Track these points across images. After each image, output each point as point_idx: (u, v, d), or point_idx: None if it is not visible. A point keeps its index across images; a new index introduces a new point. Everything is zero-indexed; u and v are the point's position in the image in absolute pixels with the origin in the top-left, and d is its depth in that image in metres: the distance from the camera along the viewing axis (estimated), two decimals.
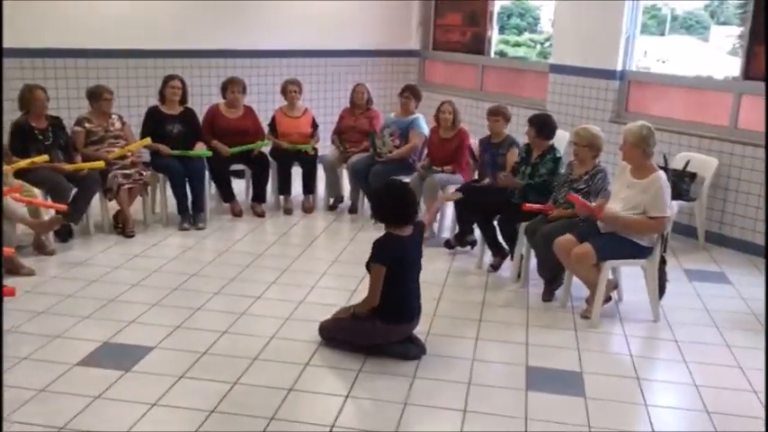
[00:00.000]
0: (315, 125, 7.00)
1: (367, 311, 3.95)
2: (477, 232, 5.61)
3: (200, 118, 6.60)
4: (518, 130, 6.15)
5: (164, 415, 3.37)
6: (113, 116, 6.16)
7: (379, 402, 3.58)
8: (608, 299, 4.72)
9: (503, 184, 5.37)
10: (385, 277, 3.87)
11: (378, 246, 3.91)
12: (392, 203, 3.95)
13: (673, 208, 4.61)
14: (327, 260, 5.55)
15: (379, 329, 3.93)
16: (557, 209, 4.91)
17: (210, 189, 6.69)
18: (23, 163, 5.31)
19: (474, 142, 6.19)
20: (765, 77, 5.37)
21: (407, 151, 6.53)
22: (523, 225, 5.07)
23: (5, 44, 5.83)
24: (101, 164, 5.74)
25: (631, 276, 4.89)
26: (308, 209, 6.84)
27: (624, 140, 4.49)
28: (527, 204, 5.00)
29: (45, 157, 5.44)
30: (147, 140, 6.14)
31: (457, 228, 5.88)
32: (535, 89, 7.91)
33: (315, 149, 6.89)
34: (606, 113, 6.97)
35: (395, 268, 3.88)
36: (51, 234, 5.50)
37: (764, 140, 5.53)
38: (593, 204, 4.57)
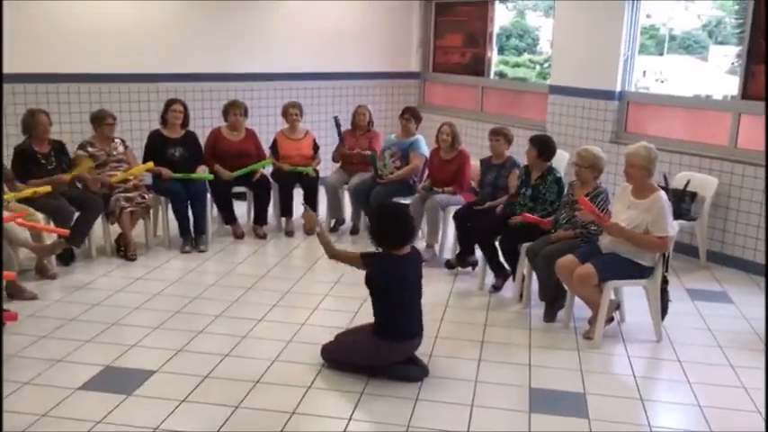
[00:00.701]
0: (316, 147, 7.04)
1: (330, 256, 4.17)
2: (479, 253, 5.61)
3: (202, 141, 6.64)
4: (518, 152, 6.17)
5: None
6: (116, 140, 6.21)
7: (381, 425, 3.57)
8: (610, 319, 4.71)
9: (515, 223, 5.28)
10: (383, 295, 3.92)
11: (375, 256, 3.96)
12: (386, 225, 3.97)
13: (675, 227, 4.61)
14: (329, 282, 5.55)
15: (380, 348, 3.92)
16: (559, 230, 4.93)
17: (212, 211, 6.71)
18: (27, 192, 5.31)
19: (475, 163, 6.21)
20: (765, 97, 5.39)
21: (408, 172, 6.56)
22: (525, 246, 5.08)
23: (8, 70, 5.91)
24: (90, 165, 5.85)
25: (633, 296, 4.88)
26: (309, 231, 6.85)
27: (631, 164, 4.48)
28: (527, 215, 5.07)
29: (48, 189, 5.42)
30: (150, 164, 6.17)
31: (458, 248, 5.89)
32: (534, 110, 7.95)
33: (316, 171, 6.92)
34: (606, 134, 7.00)
35: (392, 286, 3.90)
36: (53, 258, 5.51)
37: (765, 160, 5.54)
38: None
